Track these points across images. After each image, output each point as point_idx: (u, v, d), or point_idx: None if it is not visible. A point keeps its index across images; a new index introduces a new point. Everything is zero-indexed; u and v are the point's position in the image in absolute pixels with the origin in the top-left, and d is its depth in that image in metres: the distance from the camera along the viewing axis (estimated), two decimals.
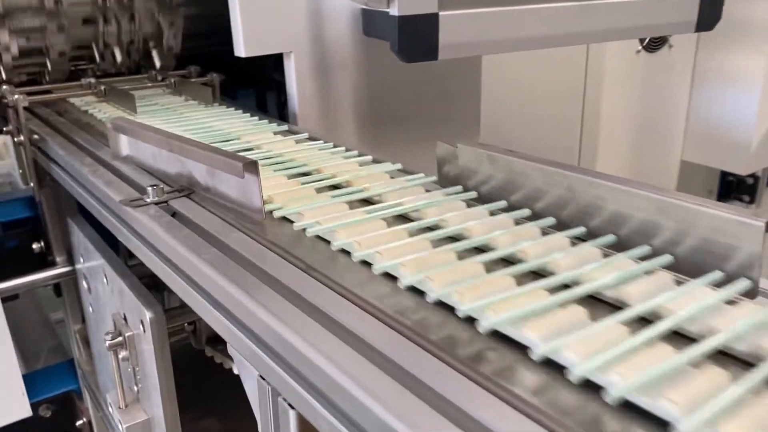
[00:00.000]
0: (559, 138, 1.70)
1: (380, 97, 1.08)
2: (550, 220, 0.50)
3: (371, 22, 0.91)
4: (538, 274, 0.43)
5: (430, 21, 0.89)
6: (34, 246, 1.03)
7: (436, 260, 0.43)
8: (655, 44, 1.65)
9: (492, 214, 0.52)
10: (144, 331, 0.65)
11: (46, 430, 1.16)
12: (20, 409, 0.92)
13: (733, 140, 1.73)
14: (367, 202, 0.57)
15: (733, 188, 2.09)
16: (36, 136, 0.90)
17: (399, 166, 0.66)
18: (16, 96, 0.90)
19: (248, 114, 0.89)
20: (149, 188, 0.59)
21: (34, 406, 1.16)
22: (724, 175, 2.04)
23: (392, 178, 0.62)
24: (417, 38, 0.90)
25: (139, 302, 0.64)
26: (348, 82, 1.03)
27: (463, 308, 0.37)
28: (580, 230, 0.49)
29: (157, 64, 1.10)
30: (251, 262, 0.47)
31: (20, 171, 1.01)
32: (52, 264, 1.03)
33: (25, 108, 0.93)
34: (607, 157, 1.69)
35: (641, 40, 1.63)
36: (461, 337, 0.37)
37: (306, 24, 0.95)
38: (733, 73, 1.67)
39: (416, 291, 0.42)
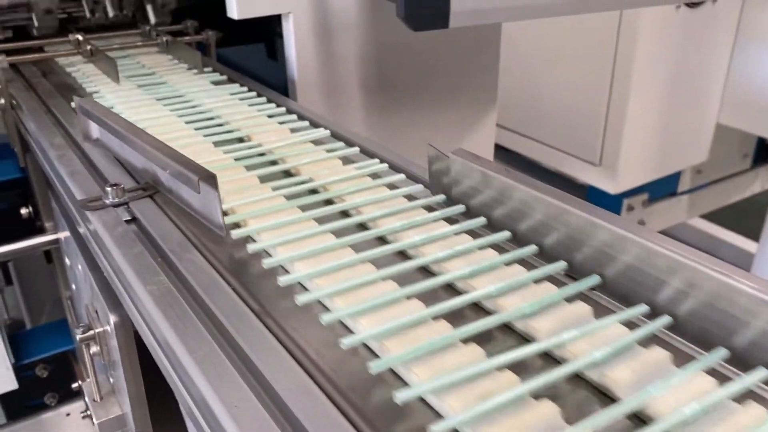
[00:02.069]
0: (586, 97, 1.60)
1: (388, 63, 1.00)
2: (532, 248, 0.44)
3: None
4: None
5: None
6: (23, 211, 0.99)
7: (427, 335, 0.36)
8: None
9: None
10: (110, 332, 0.61)
11: (42, 390, 1.15)
12: (6, 381, 0.90)
13: None
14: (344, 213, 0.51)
15: None
16: (14, 102, 0.84)
17: (385, 166, 0.59)
18: None
19: (237, 85, 0.82)
20: (108, 188, 0.54)
21: (31, 366, 1.15)
22: (761, 139, 1.93)
23: (375, 179, 0.56)
24: (426, 3, 0.81)
25: (104, 302, 0.60)
26: (352, 46, 0.95)
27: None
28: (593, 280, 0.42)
29: (152, 19, 1.02)
30: (200, 298, 0.41)
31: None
32: (41, 230, 0.99)
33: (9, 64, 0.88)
34: (636, 117, 1.59)
35: None
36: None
37: None
38: None
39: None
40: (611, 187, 1.61)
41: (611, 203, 1.71)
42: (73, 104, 0.64)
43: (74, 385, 1.16)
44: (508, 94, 1.67)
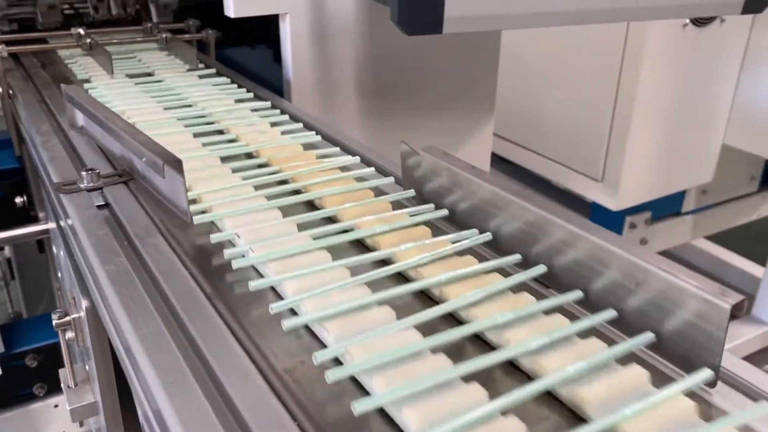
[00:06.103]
0: (589, 112, 1.60)
1: (384, 68, 1.00)
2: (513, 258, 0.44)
3: None
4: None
5: None
6: (17, 200, 1.00)
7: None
8: (704, 18, 1.52)
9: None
10: (83, 317, 0.61)
11: (31, 380, 1.16)
12: None
13: None
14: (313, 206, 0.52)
15: None
16: (11, 91, 0.86)
17: (357, 159, 0.59)
18: None
19: (229, 81, 0.83)
20: (83, 173, 0.54)
21: (21, 356, 1.16)
22: None
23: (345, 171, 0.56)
24: (420, 8, 0.81)
25: (78, 287, 0.60)
26: (349, 49, 0.96)
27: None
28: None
29: (154, 17, 1.04)
30: (156, 280, 0.42)
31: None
32: (35, 220, 1.00)
33: (10, 55, 0.89)
34: (640, 134, 1.58)
35: None
36: None
37: None
38: None
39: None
40: (612, 204, 1.60)
41: (613, 220, 1.70)
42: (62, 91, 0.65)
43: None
44: (512, 107, 1.67)
